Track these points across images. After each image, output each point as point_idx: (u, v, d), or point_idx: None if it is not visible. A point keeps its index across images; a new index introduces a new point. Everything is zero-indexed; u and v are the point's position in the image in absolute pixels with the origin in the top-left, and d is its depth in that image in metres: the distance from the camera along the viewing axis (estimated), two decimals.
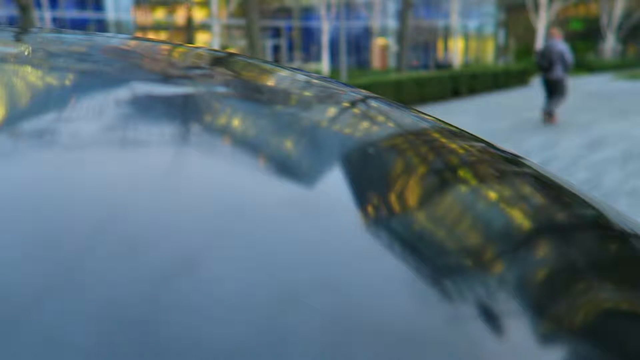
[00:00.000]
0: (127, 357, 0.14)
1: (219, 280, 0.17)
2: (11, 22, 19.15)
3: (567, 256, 0.24)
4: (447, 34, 30.82)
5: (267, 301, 0.17)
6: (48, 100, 0.29)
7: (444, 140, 0.36)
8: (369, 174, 0.27)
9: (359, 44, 28.31)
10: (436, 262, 0.21)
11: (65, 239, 0.18)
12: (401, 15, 14.29)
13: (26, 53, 0.39)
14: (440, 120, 0.44)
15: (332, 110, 0.37)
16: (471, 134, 0.43)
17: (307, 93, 0.41)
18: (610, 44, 32.48)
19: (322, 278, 0.18)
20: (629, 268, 0.25)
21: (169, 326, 0.15)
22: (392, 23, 28.41)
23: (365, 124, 0.35)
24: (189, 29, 22.93)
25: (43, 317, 0.15)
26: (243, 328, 0.16)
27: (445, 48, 30.94)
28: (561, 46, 7.23)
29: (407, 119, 0.40)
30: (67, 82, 0.33)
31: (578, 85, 15.25)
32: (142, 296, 0.16)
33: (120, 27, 21.93)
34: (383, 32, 28.63)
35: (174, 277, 0.17)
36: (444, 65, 25.23)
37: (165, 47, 0.51)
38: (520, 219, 0.26)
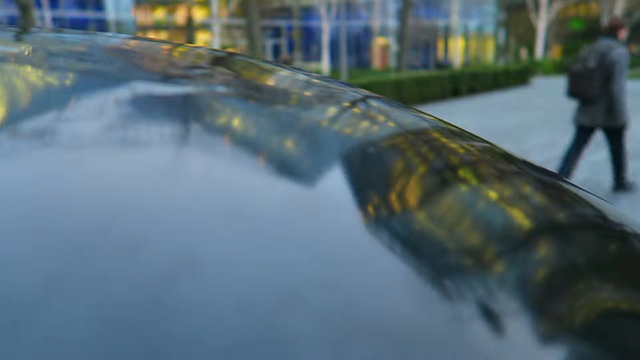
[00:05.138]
0: (132, 357, 0.14)
1: (221, 280, 0.17)
2: (11, 22, 19.14)
3: (567, 256, 0.24)
4: (447, 33, 30.80)
5: (269, 301, 0.17)
6: (48, 100, 0.29)
7: (444, 139, 0.36)
8: (370, 174, 0.27)
9: (359, 44, 28.30)
10: (437, 261, 0.21)
11: (67, 238, 0.18)
12: (401, 15, 14.28)
13: (26, 53, 0.39)
14: (440, 119, 0.44)
15: (332, 110, 0.37)
16: (471, 134, 0.42)
17: (307, 93, 0.40)
18: None
19: (324, 277, 0.18)
20: (629, 268, 0.25)
21: (172, 325, 0.15)
22: (392, 23, 28.39)
23: (365, 124, 0.35)
24: (189, 28, 22.92)
25: (43, 317, 0.15)
26: (245, 327, 0.16)
27: (446, 49, 30.92)
28: None
29: (407, 118, 0.40)
30: (68, 82, 0.33)
31: None
32: (143, 296, 0.16)
33: (120, 27, 21.91)
34: (383, 32, 28.61)
35: (175, 276, 0.17)
36: (444, 65, 25.22)
37: (166, 46, 0.51)
38: (520, 218, 0.26)
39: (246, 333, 0.16)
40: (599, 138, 6.30)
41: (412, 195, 0.26)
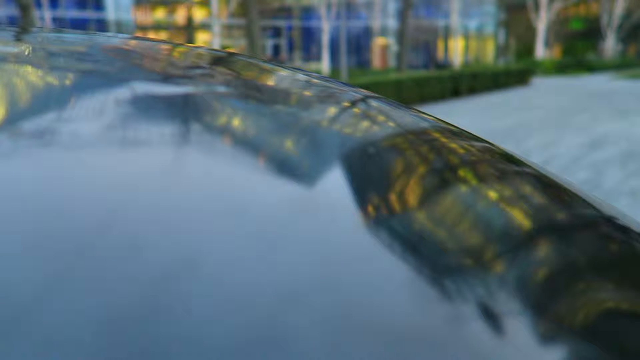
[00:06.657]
0: (133, 357, 0.14)
1: (221, 280, 0.18)
2: (11, 22, 19.15)
3: (567, 256, 0.24)
4: (447, 33, 30.80)
5: (269, 301, 0.17)
6: (48, 100, 0.29)
7: (444, 139, 0.36)
8: (370, 174, 0.27)
9: (359, 44, 28.30)
10: (437, 261, 0.21)
11: (67, 238, 0.18)
12: (401, 15, 14.29)
13: (26, 53, 0.39)
14: (440, 119, 0.44)
15: (333, 110, 0.37)
16: (471, 134, 0.42)
17: (307, 93, 0.40)
18: (610, 44, 32.45)
19: (324, 278, 0.18)
20: (629, 268, 0.25)
21: (172, 325, 0.15)
22: (392, 23, 28.40)
23: (366, 124, 0.35)
24: (189, 28, 22.94)
25: (42, 317, 0.15)
26: (245, 328, 0.16)
27: (446, 49, 30.93)
28: None
29: (407, 118, 0.40)
30: (68, 82, 0.33)
31: (581, 85, 15.23)
32: (144, 296, 0.16)
33: (120, 27, 21.91)
34: (383, 32, 28.62)
35: (175, 277, 0.17)
36: (444, 65, 25.23)
37: (166, 46, 0.51)
38: (520, 219, 0.26)
39: (246, 333, 0.16)
40: (600, 138, 6.30)
41: (413, 196, 0.26)
